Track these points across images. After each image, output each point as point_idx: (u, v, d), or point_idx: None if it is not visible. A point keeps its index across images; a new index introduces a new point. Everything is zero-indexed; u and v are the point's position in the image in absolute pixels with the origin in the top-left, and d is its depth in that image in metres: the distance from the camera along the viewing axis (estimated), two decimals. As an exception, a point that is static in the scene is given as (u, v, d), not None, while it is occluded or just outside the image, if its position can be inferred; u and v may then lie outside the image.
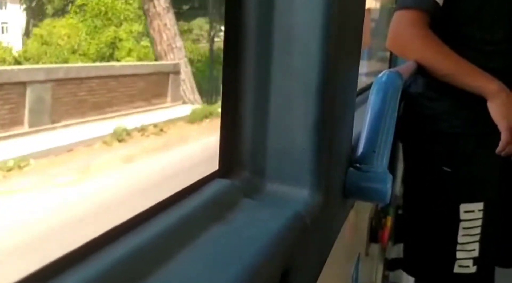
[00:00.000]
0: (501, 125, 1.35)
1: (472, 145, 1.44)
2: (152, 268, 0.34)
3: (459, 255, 1.45)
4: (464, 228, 1.45)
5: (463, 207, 1.44)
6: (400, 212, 2.23)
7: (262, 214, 0.44)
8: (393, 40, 1.39)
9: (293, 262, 0.42)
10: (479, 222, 1.44)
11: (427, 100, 1.50)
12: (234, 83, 0.49)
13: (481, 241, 1.44)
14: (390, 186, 0.64)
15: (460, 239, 1.45)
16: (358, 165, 0.66)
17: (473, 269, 1.45)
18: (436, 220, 1.49)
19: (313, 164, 0.50)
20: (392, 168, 1.91)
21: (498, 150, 1.35)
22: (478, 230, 1.44)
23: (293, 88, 0.49)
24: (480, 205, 1.44)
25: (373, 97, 0.71)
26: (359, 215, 1.08)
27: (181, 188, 0.44)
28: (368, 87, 0.98)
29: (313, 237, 0.48)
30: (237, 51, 0.48)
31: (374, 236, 1.21)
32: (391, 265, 2.14)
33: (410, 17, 1.33)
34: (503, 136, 1.34)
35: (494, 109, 1.35)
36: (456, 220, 1.44)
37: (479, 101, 1.39)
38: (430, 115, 1.49)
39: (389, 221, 1.27)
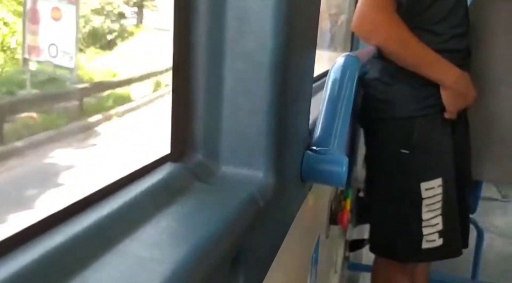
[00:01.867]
0: (449, 110, 1.46)
1: (427, 126, 1.48)
2: (98, 253, 0.33)
3: (425, 231, 1.50)
4: (427, 205, 1.49)
5: (424, 185, 1.49)
6: (361, 194, 2.27)
7: (214, 198, 0.43)
8: (359, 24, 1.39)
9: (245, 245, 0.42)
10: (440, 197, 1.49)
11: (382, 85, 1.53)
12: (184, 64, 0.48)
13: (443, 214, 1.49)
14: (346, 168, 0.64)
15: (424, 216, 1.49)
16: (315, 147, 0.66)
17: (439, 241, 1.50)
18: (399, 200, 1.53)
19: (267, 147, 0.49)
20: (352, 151, 1.94)
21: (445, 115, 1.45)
22: (439, 205, 1.50)
23: (246, 70, 0.48)
24: (438, 181, 1.49)
25: (330, 80, 0.71)
26: (319, 198, 1.09)
27: (131, 172, 0.43)
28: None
29: (267, 220, 0.48)
30: (188, 30, 0.47)
31: (334, 218, 1.22)
32: (352, 246, 2.18)
33: (378, 2, 1.33)
34: (447, 116, 1.45)
35: (446, 98, 1.44)
36: (418, 199, 1.49)
37: (429, 84, 1.44)
38: (386, 99, 1.52)
39: (348, 203, 1.29)
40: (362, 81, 1.85)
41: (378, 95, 1.54)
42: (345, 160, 0.63)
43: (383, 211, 1.60)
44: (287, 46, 0.49)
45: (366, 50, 1.67)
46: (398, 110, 1.50)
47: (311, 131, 0.70)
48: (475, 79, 1.53)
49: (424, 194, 1.49)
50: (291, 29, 0.50)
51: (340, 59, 0.74)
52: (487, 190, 3.43)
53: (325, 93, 0.71)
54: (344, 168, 0.63)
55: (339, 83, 0.70)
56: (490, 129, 1.74)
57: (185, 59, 0.49)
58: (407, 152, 1.48)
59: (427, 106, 1.48)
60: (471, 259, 2.16)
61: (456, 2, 1.48)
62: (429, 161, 1.50)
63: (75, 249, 0.32)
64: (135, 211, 0.38)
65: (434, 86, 1.43)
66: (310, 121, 0.70)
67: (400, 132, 1.50)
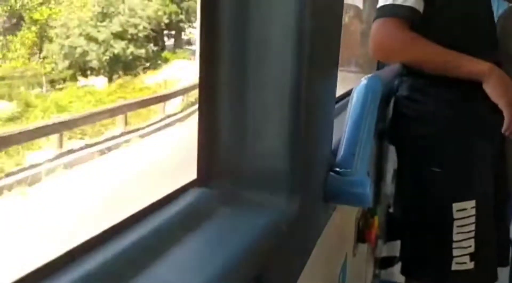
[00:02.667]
0: (502, 103, 1.33)
1: (459, 144, 1.45)
2: (130, 276, 0.35)
3: (455, 252, 1.47)
4: (458, 226, 1.46)
5: (456, 206, 1.45)
6: (390, 210, 2.24)
7: (237, 222, 0.45)
8: (377, 46, 1.40)
9: (268, 267, 0.43)
10: (473, 219, 1.45)
11: (412, 102, 1.52)
12: (210, 93, 0.50)
13: (476, 237, 1.46)
14: (370, 189, 0.65)
15: (455, 237, 1.46)
16: (338, 169, 0.67)
17: (471, 265, 1.47)
18: (429, 220, 1.51)
19: (289, 171, 0.51)
20: (380, 167, 1.93)
21: (503, 129, 1.35)
22: (472, 227, 1.45)
23: (268, 97, 0.50)
24: (472, 203, 1.45)
25: (353, 102, 0.73)
26: (345, 216, 1.09)
27: (160, 198, 0.45)
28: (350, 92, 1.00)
29: (290, 242, 0.49)
30: (213, 62, 0.49)
31: (361, 236, 1.22)
32: (382, 263, 2.15)
33: (391, 24, 1.34)
34: (506, 114, 1.33)
35: (491, 89, 1.34)
36: (449, 219, 1.45)
37: (464, 101, 1.40)
38: (416, 117, 1.51)
39: (376, 221, 1.28)
40: (391, 98, 1.85)
41: (409, 113, 1.53)
42: (368, 181, 0.65)
43: (414, 229, 1.58)
44: (308, 72, 0.51)
45: (391, 68, 1.67)
46: (430, 128, 1.47)
47: (334, 152, 0.71)
48: None
49: (456, 214, 1.45)
50: (312, 54, 0.52)
51: (363, 81, 0.76)
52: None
53: (348, 115, 0.72)
54: (367, 190, 0.64)
55: (362, 105, 0.72)
56: None
57: (210, 88, 0.51)
58: (439, 170, 1.46)
59: (460, 123, 1.45)
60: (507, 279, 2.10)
61: (480, 16, 1.47)
62: (462, 181, 1.46)
63: (106, 274, 0.34)
64: (164, 236, 0.40)
65: (467, 103, 1.39)
66: (334, 141, 0.72)
67: (432, 150, 1.47)
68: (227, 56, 0.50)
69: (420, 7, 1.34)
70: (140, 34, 16.64)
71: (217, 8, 0.50)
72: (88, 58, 16.13)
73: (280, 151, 0.51)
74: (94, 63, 16.19)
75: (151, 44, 16.98)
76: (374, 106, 0.74)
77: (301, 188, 0.53)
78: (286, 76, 0.50)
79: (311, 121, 0.56)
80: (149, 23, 16.89)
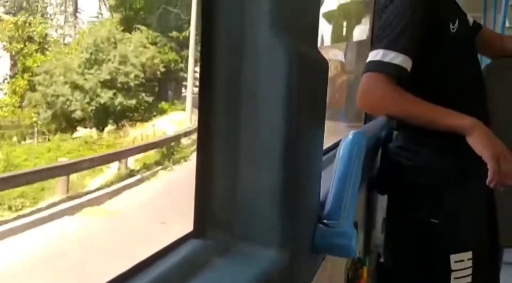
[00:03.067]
0: (486, 156, 1.36)
1: (457, 195, 1.47)
2: None
3: None
4: (456, 278, 1.47)
5: (454, 257, 1.46)
6: (381, 260, 2.25)
7: (231, 273, 0.48)
8: (365, 99, 1.46)
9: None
10: (470, 271, 1.46)
11: (408, 153, 1.55)
12: (206, 148, 0.54)
13: None
14: (355, 241, 0.68)
15: None
16: (326, 221, 0.71)
17: None
18: (426, 271, 1.51)
19: (280, 223, 0.55)
20: (370, 217, 1.96)
21: (488, 180, 1.36)
22: (469, 279, 1.47)
23: (259, 153, 0.54)
24: (469, 254, 1.46)
25: (339, 157, 0.77)
26: (335, 266, 1.12)
27: (159, 249, 0.49)
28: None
29: (281, 293, 0.52)
30: (209, 122, 0.54)
31: (351, 286, 1.24)
32: (373, 314, 2.14)
33: (379, 79, 1.40)
34: (490, 166, 1.36)
35: (475, 142, 1.37)
36: (447, 271, 1.46)
37: (458, 151, 1.44)
38: (412, 167, 1.53)
39: (365, 271, 1.30)
40: (379, 148, 1.90)
41: (404, 162, 1.55)
42: (354, 233, 0.68)
43: (409, 280, 1.58)
44: (297, 129, 0.56)
45: (378, 120, 1.74)
46: (427, 178, 1.50)
47: (323, 204, 0.75)
48: None
49: (454, 266, 1.46)
50: (300, 108, 0.57)
51: (349, 137, 0.81)
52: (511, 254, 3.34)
53: (335, 168, 0.77)
54: (353, 241, 0.68)
55: (348, 159, 0.76)
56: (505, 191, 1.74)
57: (207, 144, 0.55)
58: (436, 221, 1.47)
59: (458, 174, 1.48)
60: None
61: (467, 72, 1.54)
62: (460, 232, 1.48)
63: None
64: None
65: (462, 152, 1.41)
66: (323, 193, 0.76)
67: (429, 200, 1.49)
68: (223, 119, 0.55)
69: (408, 65, 1.41)
70: (132, 83, 15.58)
71: (213, 61, 0.55)
72: (72, 108, 15.05)
73: (270, 204, 0.55)
74: (78, 114, 15.04)
75: (144, 94, 15.92)
76: (359, 160, 0.78)
77: (291, 240, 0.56)
78: (276, 139, 0.54)
79: (300, 174, 0.60)
80: (143, 72, 15.87)
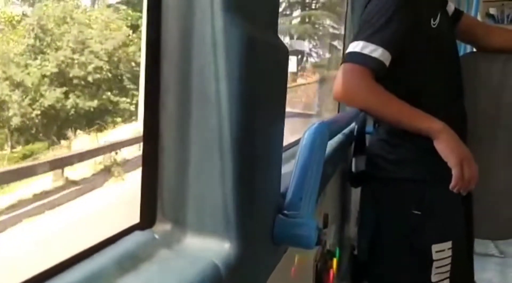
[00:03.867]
0: (451, 161, 1.39)
1: (439, 188, 1.47)
2: None
3: None
4: (436, 267, 1.49)
5: (435, 247, 1.48)
6: (355, 253, 2.26)
7: (176, 265, 0.46)
8: (340, 90, 1.45)
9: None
10: (449, 260, 1.49)
11: (391, 146, 1.55)
12: (154, 136, 0.52)
13: (450, 277, 1.49)
14: (315, 231, 0.67)
15: (433, 278, 1.49)
16: (286, 212, 0.69)
17: None
18: (408, 262, 1.52)
19: (233, 215, 0.53)
20: (343, 210, 1.96)
21: (451, 186, 1.38)
22: (448, 268, 1.49)
23: (210, 142, 0.52)
24: (449, 244, 1.49)
25: (301, 148, 0.75)
26: (303, 258, 1.10)
27: (100, 241, 0.46)
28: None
29: (231, 286, 0.50)
30: (156, 110, 0.52)
31: (319, 278, 1.23)
32: (346, 307, 2.14)
33: (356, 71, 1.39)
34: (454, 172, 1.38)
35: (442, 146, 1.40)
36: (429, 261, 1.48)
37: None
38: (395, 160, 1.53)
39: (335, 262, 1.30)
40: (351, 140, 1.90)
41: (386, 156, 1.55)
42: (313, 223, 0.67)
43: (388, 272, 1.58)
44: (250, 121, 0.54)
45: (350, 111, 1.73)
46: (409, 172, 1.50)
47: (284, 195, 0.73)
48: (469, 138, 1.55)
49: (435, 256, 1.48)
50: (255, 101, 0.55)
51: (311, 128, 0.79)
52: (484, 246, 3.40)
53: (297, 159, 0.75)
54: (313, 231, 0.66)
55: (309, 150, 0.74)
56: (485, 184, 1.76)
57: (155, 132, 0.53)
58: (419, 213, 1.48)
59: (439, 169, 1.48)
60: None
61: (446, 67, 1.54)
62: (441, 224, 1.49)
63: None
64: (98, 280, 0.40)
65: None
66: (286, 185, 0.74)
67: (411, 193, 1.50)
68: (172, 106, 0.53)
69: (386, 60, 1.40)
70: (91, 78, 11.16)
71: (162, 45, 0.52)
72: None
73: (223, 196, 0.53)
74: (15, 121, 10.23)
75: (109, 93, 11.42)
76: (321, 151, 0.76)
77: (245, 232, 0.54)
78: (226, 127, 0.52)
79: (256, 164, 0.58)
80: (108, 62, 11.50)
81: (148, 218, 0.52)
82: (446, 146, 1.39)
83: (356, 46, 1.41)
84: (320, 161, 0.74)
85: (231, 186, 0.53)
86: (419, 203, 1.50)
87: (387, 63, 1.41)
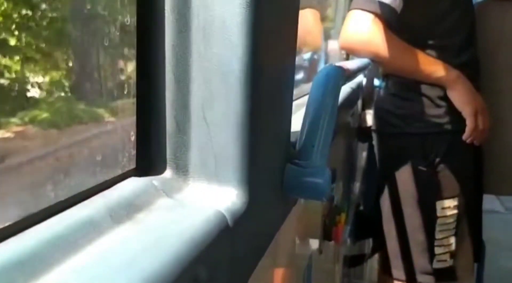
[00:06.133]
0: (466, 111, 1.38)
1: (446, 143, 1.45)
2: (51, 268, 0.30)
3: (437, 250, 1.48)
4: (441, 224, 1.47)
5: (439, 204, 1.47)
6: (361, 208, 2.23)
7: (177, 215, 0.41)
8: (348, 37, 1.37)
9: (210, 265, 0.39)
10: (455, 217, 1.47)
11: (399, 100, 1.51)
12: (149, 74, 0.46)
13: (456, 235, 1.47)
14: (328, 180, 0.62)
15: (437, 235, 1.47)
16: (297, 160, 0.64)
17: (450, 262, 1.48)
18: (413, 218, 1.50)
19: (239, 160, 0.47)
20: (350, 165, 1.91)
21: (464, 136, 1.38)
22: (453, 225, 1.48)
23: (214, 80, 0.46)
24: (455, 201, 1.47)
25: (312, 91, 0.69)
26: (310, 213, 1.06)
27: (92, 186, 0.41)
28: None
29: (238, 238, 0.45)
30: (153, 38, 0.45)
31: (327, 234, 1.19)
32: (352, 261, 2.14)
33: (365, 18, 1.31)
34: (468, 122, 1.37)
35: (456, 96, 1.38)
36: (433, 217, 1.47)
37: (449, 100, 1.40)
38: (403, 115, 1.50)
39: (343, 218, 1.26)
40: (359, 94, 1.83)
41: (395, 111, 1.52)
42: (327, 171, 0.61)
43: (394, 227, 1.56)
44: (260, 56, 0.47)
45: (352, 61, 1.66)
46: (417, 126, 1.47)
47: (294, 144, 0.68)
48: (482, 90, 1.49)
49: (439, 212, 1.47)
50: (262, 36, 0.48)
51: (322, 70, 0.72)
52: (490, 202, 3.38)
53: (307, 105, 0.69)
54: (326, 180, 0.61)
55: (322, 94, 0.68)
56: (493, 140, 1.71)
57: (150, 68, 0.47)
58: (424, 169, 1.46)
59: (447, 123, 1.45)
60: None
61: (459, 14, 1.46)
62: (447, 180, 1.47)
63: (24, 263, 0.29)
64: (90, 227, 0.35)
65: (452, 102, 1.40)
66: (295, 134, 0.68)
67: (418, 148, 1.47)
68: (168, 39, 0.46)
69: (398, 6, 1.33)
70: None
71: None
72: None
73: (228, 140, 0.47)
74: None
75: None
76: (334, 96, 0.70)
77: (251, 179, 0.49)
78: (233, 59, 0.45)
79: (263, 109, 0.52)
80: None
81: (145, 164, 0.46)
82: (461, 96, 1.35)
83: None
84: (334, 105, 0.68)
85: (237, 128, 0.47)
86: (424, 158, 1.47)
87: (398, 10, 1.34)
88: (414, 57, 1.38)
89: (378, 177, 1.66)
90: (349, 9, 1.39)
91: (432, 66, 1.39)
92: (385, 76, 1.62)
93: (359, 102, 1.95)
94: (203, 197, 0.45)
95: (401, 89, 1.52)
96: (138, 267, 0.32)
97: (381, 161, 1.65)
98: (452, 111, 1.44)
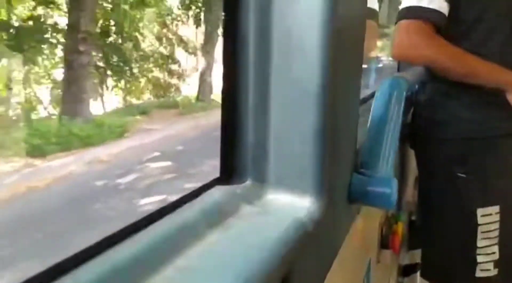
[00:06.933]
0: None
1: (484, 149, 1.42)
2: (149, 275, 0.34)
3: (479, 259, 1.44)
4: (483, 232, 1.44)
5: (480, 211, 1.43)
6: (413, 218, 2.20)
7: (262, 221, 0.43)
8: (401, 48, 1.37)
9: (293, 268, 0.42)
10: (497, 225, 1.43)
11: (436, 106, 1.49)
12: (233, 91, 0.49)
13: (500, 243, 1.43)
14: (396, 190, 0.63)
15: (480, 243, 1.44)
16: (363, 170, 0.66)
17: (494, 271, 1.44)
18: (453, 225, 1.48)
19: (315, 170, 0.50)
20: (402, 174, 1.90)
21: None
22: (496, 233, 1.43)
23: (293, 96, 0.49)
24: (496, 208, 1.43)
25: (377, 102, 0.71)
26: (369, 221, 1.07)
27: (181, 195, 0.44)
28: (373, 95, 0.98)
29: (315, 244, 0.48)
30: (236, 58, 0.49)
31: (385, 242, 1.20)
32: (405, 271, 2.11)
33: (417, 26, 1.31)
34: None
35: None
36: (474, 225, 1.43)
37: (488, 105, 1.38)
38: (440, 120, 1.48)
39: (400, 227, 1.26)
40: (411, 102, 1.82)
41: (432, 116, 1.50)
42: (394, 181, 0.63)
43: (437, 235, 1.54)
44: (334, 70, 0.50)
45: (412, 71, 1.65)
46: (454, 131, 1.45)
47: (358, 153, 0.69)
48: None
49: (480, 220, 1.43)
50: (338, 53, 0.51)
51: (386, 81, 0.74)
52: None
53: (372, 115, 0.71)
54: (393, 189, 0.62)
55: (386, 105, 0.70)
56: None
57: (234, 87, 0.50)
58: (463, 175, 1.43)
59: (486, 128, 1.42)
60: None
61: (500, 19, 1.43)
62: (487, 186, 1.44)
63: (128, 269, 0.33)
64: (186, 233, 0.39)
65: (492, 106, 1.38)
66: (358, 142, 0.70)
67: (456, 154, 1.44)
68: (251, 58, 0.49)
69: (445, 10, 1.32)
70: None
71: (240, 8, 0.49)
72: None
73: (305, 151, 0.50)
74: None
75: None
76: (399, 105, 0.72)
77: (326, 188, 0.51)
78: (311, 78, 0.48)
79: (336, 122, 0.54)
80: None
81: (228, 173, 0.50)
82: None
83: (411, 0, 1.33)
84: (399, 116, 0.70)
85: (312, 141, 0.50)
86: (463, 164, 1.44)
87: (446, 13, 1.33)
88: (472, 61, 1.37)
89: (418, 184, 1.64)
90: (396, 21, 1.39)
91: (492, 69, 1.37)
92: (421, 83, 1.60)
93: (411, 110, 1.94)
94: (283, 205, 0.48)
95: (436, 95, 1.49)
96: (234, 269, 0.35)
97: (419, 167, 1.63)
98: (489, 116, 1.41)
